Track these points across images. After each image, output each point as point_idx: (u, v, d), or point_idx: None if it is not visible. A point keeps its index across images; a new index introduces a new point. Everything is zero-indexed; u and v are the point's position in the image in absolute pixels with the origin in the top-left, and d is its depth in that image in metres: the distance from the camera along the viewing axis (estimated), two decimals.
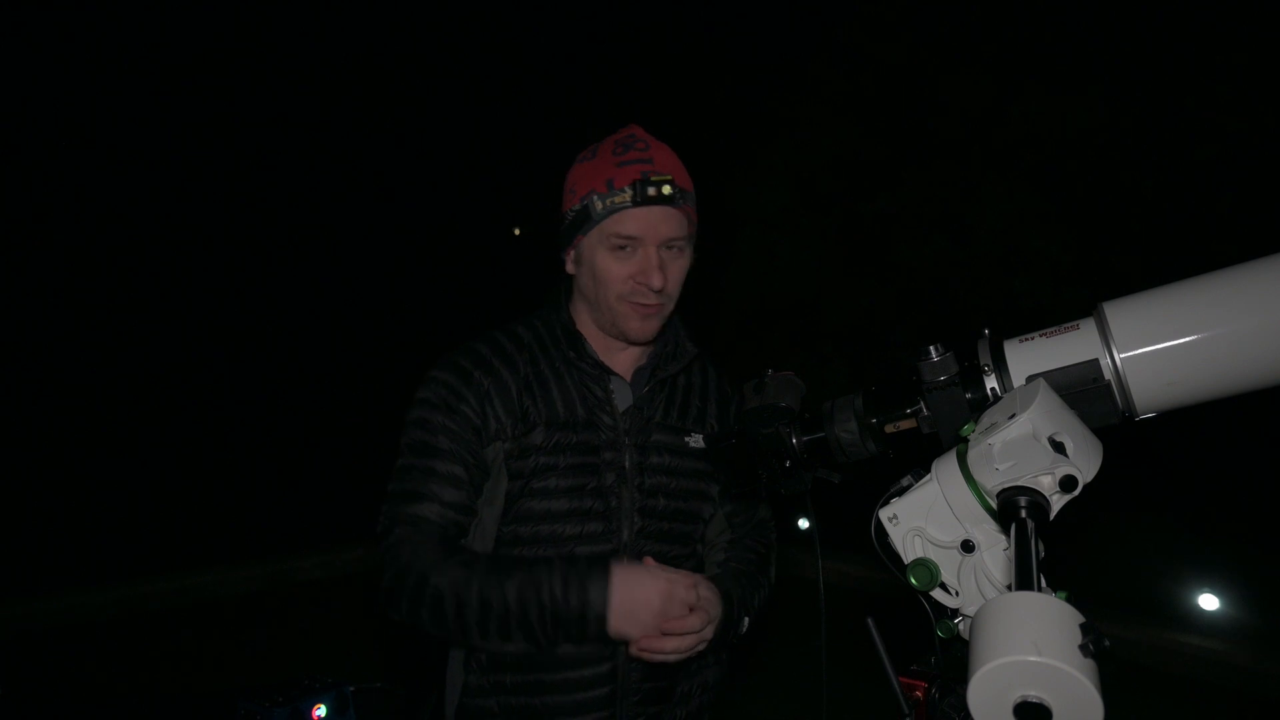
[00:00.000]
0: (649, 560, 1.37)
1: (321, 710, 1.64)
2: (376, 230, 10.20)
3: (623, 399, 1.47)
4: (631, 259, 1.38)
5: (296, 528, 6.63)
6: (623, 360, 1.50)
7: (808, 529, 1.26)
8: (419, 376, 1.49)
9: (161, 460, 8.18)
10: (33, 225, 8.71)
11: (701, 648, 1.34)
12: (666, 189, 1.34)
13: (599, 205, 1.37)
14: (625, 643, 1.37)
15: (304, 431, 8.71)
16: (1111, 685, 0.61)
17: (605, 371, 1.46)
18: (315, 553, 6.30)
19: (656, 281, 1.36)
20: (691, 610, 1.30)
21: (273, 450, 8.37)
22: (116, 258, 9.02)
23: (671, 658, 1.31)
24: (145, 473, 7.91)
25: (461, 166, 10.17)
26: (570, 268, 1.48)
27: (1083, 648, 0.61)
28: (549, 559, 1.34)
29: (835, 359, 8.07)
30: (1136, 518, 5.73)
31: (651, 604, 1.27)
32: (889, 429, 1.03)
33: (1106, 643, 0.61)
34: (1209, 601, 4.93)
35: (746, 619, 1.46)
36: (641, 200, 1.34)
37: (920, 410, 1.01)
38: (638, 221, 1.35)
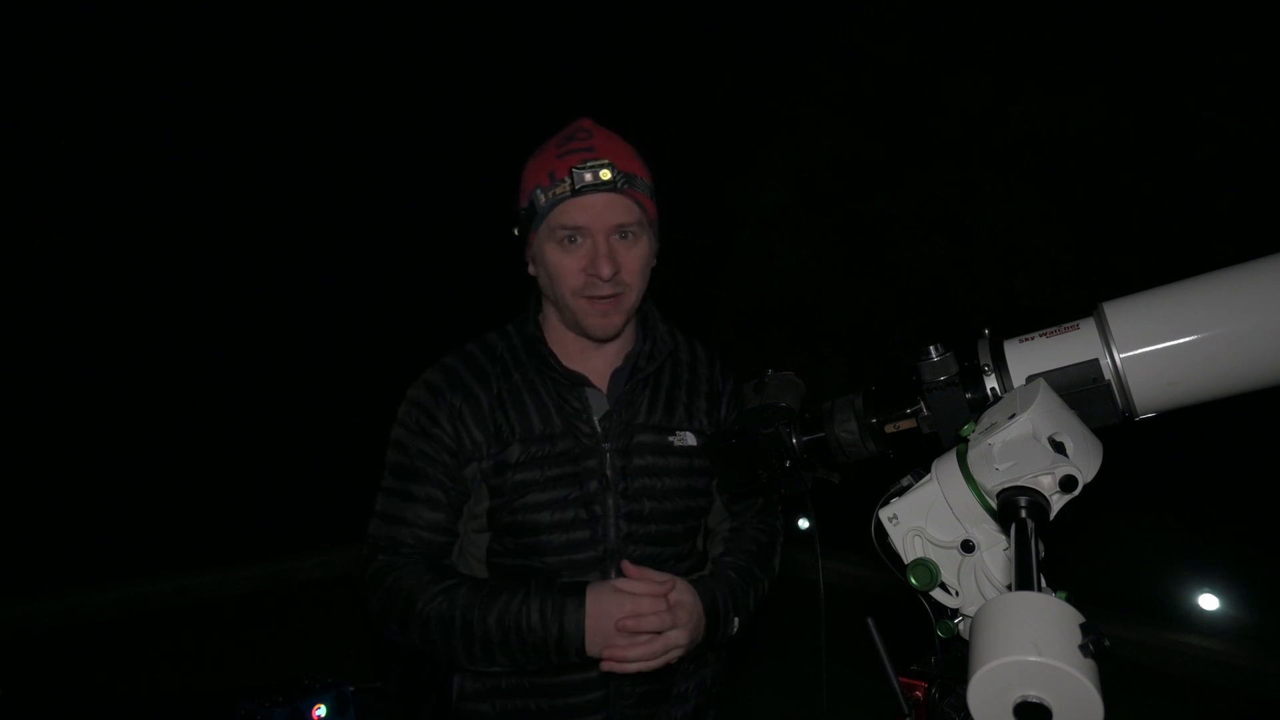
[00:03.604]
0: (628, 565, 1.36)
1: (321, 710, 1.64)
2: (376, 230, 10.19)
3: (601, 403, 1.45)
4: (579, 250, 1.35)
5: (296, 528, 6.63)
6: (599, 361, 1.48)
7: (808, 529, 1.26)
8: (417, 378, 1.48)
9: (161, 460, 8.17)
10: (33, 225, 8.71)
11: (676, 654, 1.32)
12: (605, 174, 1.31)
13: (542, 199, 1.35)
14: None
15: (304, 431, 8.70)
16: (1111, 685, 0.61)
17: (578, 379, 1.43)
18: (315, 553, 6.30)
19: (605, 270, 1.32)
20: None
21: (273, 450, 8.36)
22: (116, 258, 9.01)
23: (640, 667, 1.29)
24: (145, 473, 7.90)
25: (461, 166, 10.16)
26: (531, 269, 1.45)
27: (1083, 648, 0.61)
28: (526, 587, 1.34)
29: (835, 359, 8.07)
30: (1136, 518, 5.72)
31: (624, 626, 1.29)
32: (889, 429, 1.03)
33: (1106, 643, 0.61)
34: (1209, 601, 4.92)
35: (736, 619, 1.44)
36: (580, 188, 1.31)
37: (920, 410, 1.01)
38: (580, 210, 1.33)
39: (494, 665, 1.34)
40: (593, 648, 1.29)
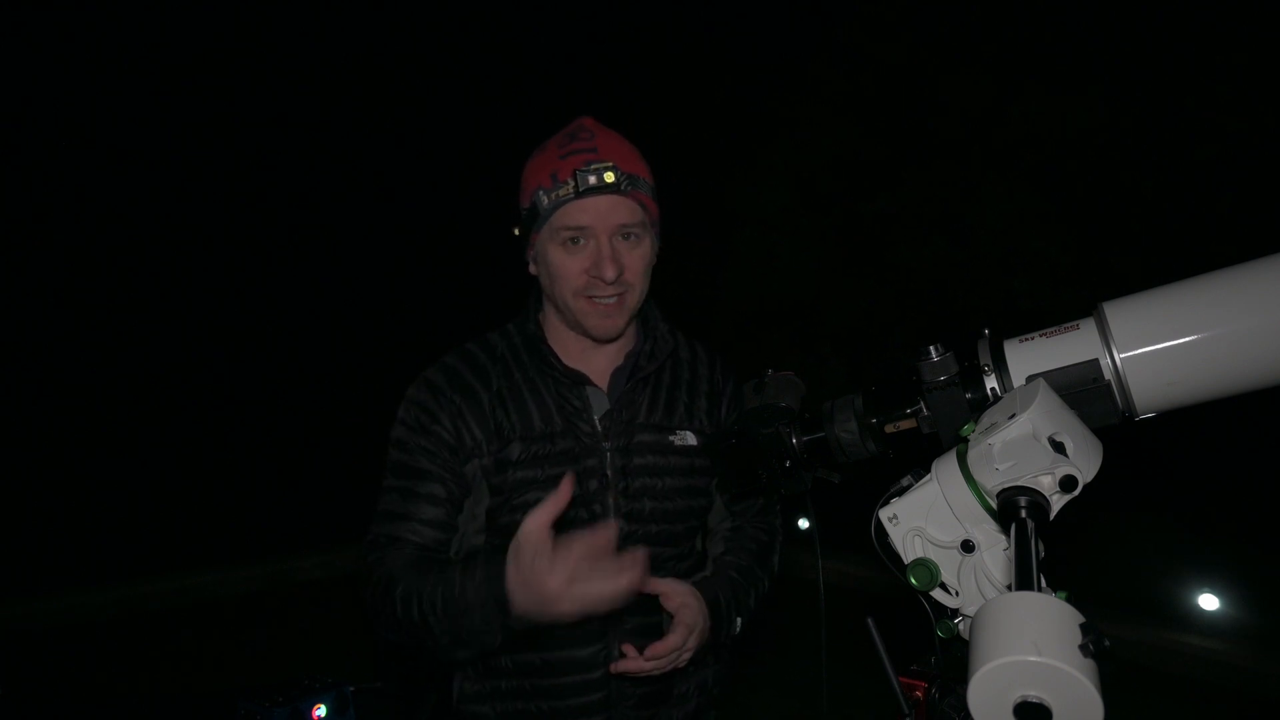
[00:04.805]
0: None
1: (321, 710, 1.65)
2: (376, 230, 10.19)
3: (602, 402, 1.45)
4: (583, 252, 1.34)
5: (296, 528, 6.63)
6: (600, 361, 1.47)
7: (808, 529, 1.26)
8: (418, 377, 1.48)
9: (161, 460, 8.17)
10: (33, 225, 8.71)
11: (686, 657, 1.34)
12: (609, 176, 1.30)
13: (545, 200, 1.34)
14: (618, 651, 1.37)
15: (304, 431, 8.70)
16: (1111, 685, 0.61)
17: (579, 378, 1.43)
18: (315, 553, 6.30)
19: (609, 272, 1.32)
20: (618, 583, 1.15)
21: (273, 450, 8.36)
22: (116, 258, 9.01)
23: (655, 672, 1.32)
24: (145, 473, 7.90)
25: (461, 166, 10.15)
26: (533, 269, 1.45)
27: (1083, 648, 0.61)
28: (476, 560, 1.27)
29: (834, 359, 8.07)
30: (1136, 518, 5.72)
31: (545, 584, 1.12)
32: (889, 429, 1.03)
33: (1106, 643, 0.61)
34: (1209, 601, 4.93)
35: (739, 619, 1.45)
36: (584, 190, 1.30)
37: (920, 410, 1.01)
38: (584, 212, 1.32)
39: (458, 648, 1.28)
40: (523, 604, 1.15)
